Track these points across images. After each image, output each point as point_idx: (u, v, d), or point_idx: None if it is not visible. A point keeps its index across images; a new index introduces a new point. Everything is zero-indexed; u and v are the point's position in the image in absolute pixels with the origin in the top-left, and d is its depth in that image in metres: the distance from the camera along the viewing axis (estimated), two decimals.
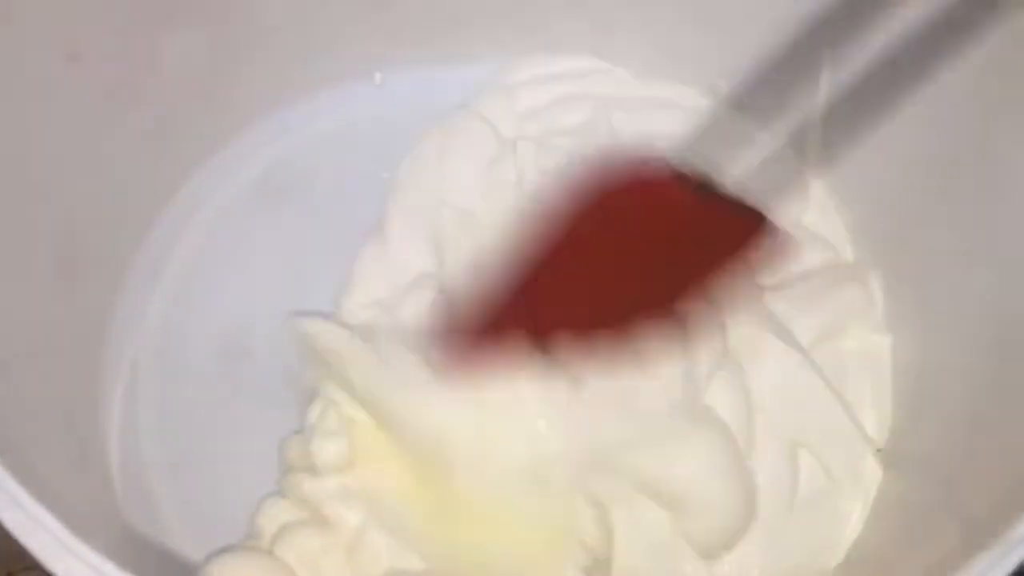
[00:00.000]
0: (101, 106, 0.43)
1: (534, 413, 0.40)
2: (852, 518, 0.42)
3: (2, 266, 0.38)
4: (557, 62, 0.52)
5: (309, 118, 0.52)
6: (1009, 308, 0.38)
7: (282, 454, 0.43)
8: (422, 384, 0.41)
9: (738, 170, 0.44)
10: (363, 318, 0.45)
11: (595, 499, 0.40)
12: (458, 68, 0.52)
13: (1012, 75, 0.38)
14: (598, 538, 0.40)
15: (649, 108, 0.51)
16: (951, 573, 0.27)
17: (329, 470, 0.41)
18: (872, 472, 0.42)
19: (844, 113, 0.46)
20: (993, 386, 0.38)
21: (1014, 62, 0.38)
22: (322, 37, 0.51)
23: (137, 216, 0.48)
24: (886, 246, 0.46)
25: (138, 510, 0.43)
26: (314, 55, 0.51)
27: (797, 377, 0.43)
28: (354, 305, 0.46)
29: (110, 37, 0.42)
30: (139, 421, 0.45)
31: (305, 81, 0.52)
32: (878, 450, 0.43)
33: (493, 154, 0.49)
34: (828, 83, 0.45)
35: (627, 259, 0.42)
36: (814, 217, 0.48)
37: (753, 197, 0.43)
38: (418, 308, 0.44)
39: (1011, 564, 0.28)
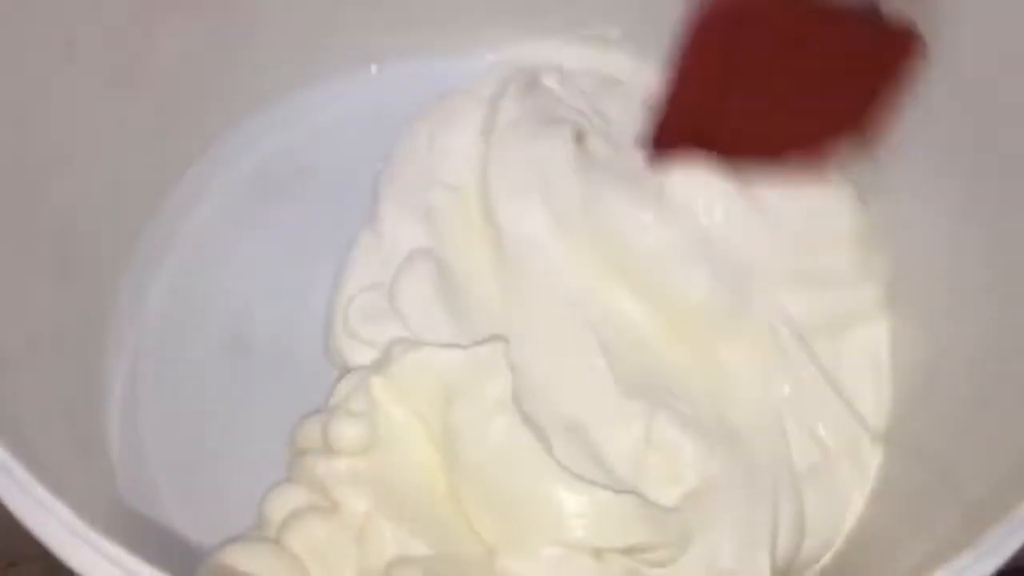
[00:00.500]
0: (98, 99, 0.43)
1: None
2: (852, 500, 0.42)
3: (1, 260, 0.38)
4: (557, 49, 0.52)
5: (306, 110, 0.52)
6: (1008, 295, 0.38)
7: (297, 435, 0.42)
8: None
9: None
10: (360, 304, 0.45)
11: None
12: (455, 58, 0.52)
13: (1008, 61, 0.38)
14: None
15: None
16: (952, 556, 0.28)
17: (345, 452, 0.41)
18: (871, 455, 0.42)
19: None
20: (992, 372, 0.38)
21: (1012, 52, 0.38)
22: (318, 29, 0.51)
23: (135, 209, 0.48)
24: (884, 236, 0.46)
25: (140, 499, 0.43)
26: (310, 47, 0.51)
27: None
28: (352, 290, 0.46)
29: (106, 29, 0.42)
30: (140, 411, 0.45)
31: (302, 73, 0.52)
32: (877, 435, 0.43)
33: (482, 125, 0.49)
34: None
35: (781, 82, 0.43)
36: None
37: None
38: (413, 282, 0.44)
39: (1011, 547, 0.28)
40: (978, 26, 0.39)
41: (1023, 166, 0.38)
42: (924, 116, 0.42)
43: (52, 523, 0.27)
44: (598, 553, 0.39)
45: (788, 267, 0.45)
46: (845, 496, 0.42)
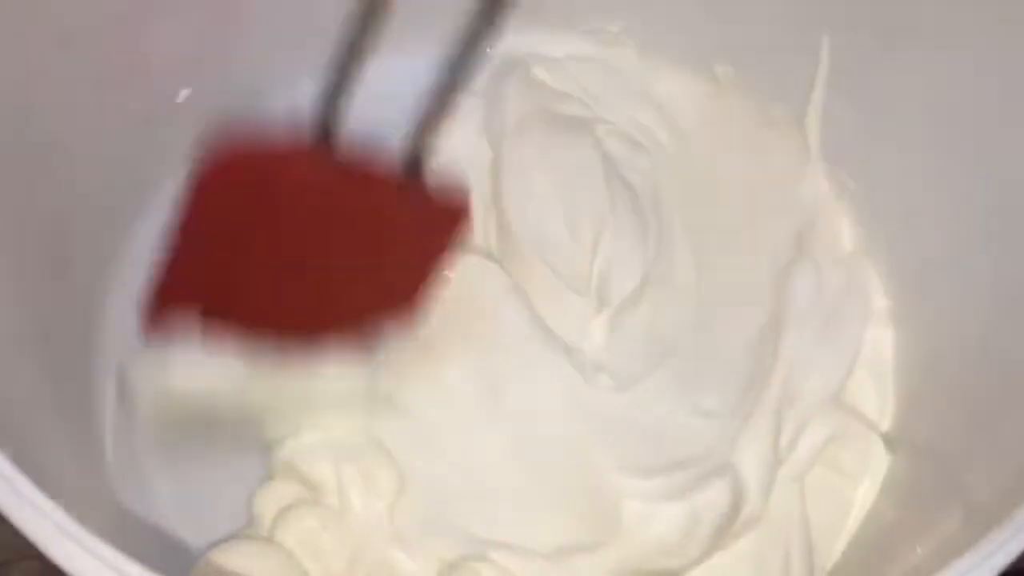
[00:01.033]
0: (92, 93, 0.43)
1: None
2: (858, 499, 0.42)
3: None
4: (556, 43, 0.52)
5: (301, 106, 0.52)
6: (1009, 298, 0.38)
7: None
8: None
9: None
10: None
11: None
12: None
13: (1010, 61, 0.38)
14: None
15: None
16: (958, 555, 0.27)
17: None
18: (878, 456, 0.42)
19: (844, 100, 0.46)
20: (995, 374, 0.38)
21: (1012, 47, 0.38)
22: (312, 24, 0.50)
23: (129, 206, 0.48)
24: (887, 237, 0.46)
25: (133, 498, 0.43)
26: (304, 42, 0.51)
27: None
28: None
29: (100, 22, 0.42)
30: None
31: (296, 68, 0.52)
32: (881, 435, 0.43)
33: (483, 124, 0.49)
34: (828, 68, 0.45)
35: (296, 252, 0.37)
36: (815, 206, 0.48)
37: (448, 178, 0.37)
38: None
39: (1017, 548, 0.28)
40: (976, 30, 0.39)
41: (1022, 165, 0.38)
42: (924, 116, 0.42)
43: (45, 524, 0.26)
44: None
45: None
46: (850, 496, 0.42)
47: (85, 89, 0.42)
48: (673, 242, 0.47)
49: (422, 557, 0.40)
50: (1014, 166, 0.38)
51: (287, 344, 0.39)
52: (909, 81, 0.42)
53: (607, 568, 0.40)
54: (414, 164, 0.36)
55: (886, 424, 0.44)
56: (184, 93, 0.48)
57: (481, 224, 0.46)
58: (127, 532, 0.41)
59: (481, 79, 0.50)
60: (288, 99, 0.51)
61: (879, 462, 0.42)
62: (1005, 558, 0.28)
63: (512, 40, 0.52)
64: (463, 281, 0.43)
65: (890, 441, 0.43)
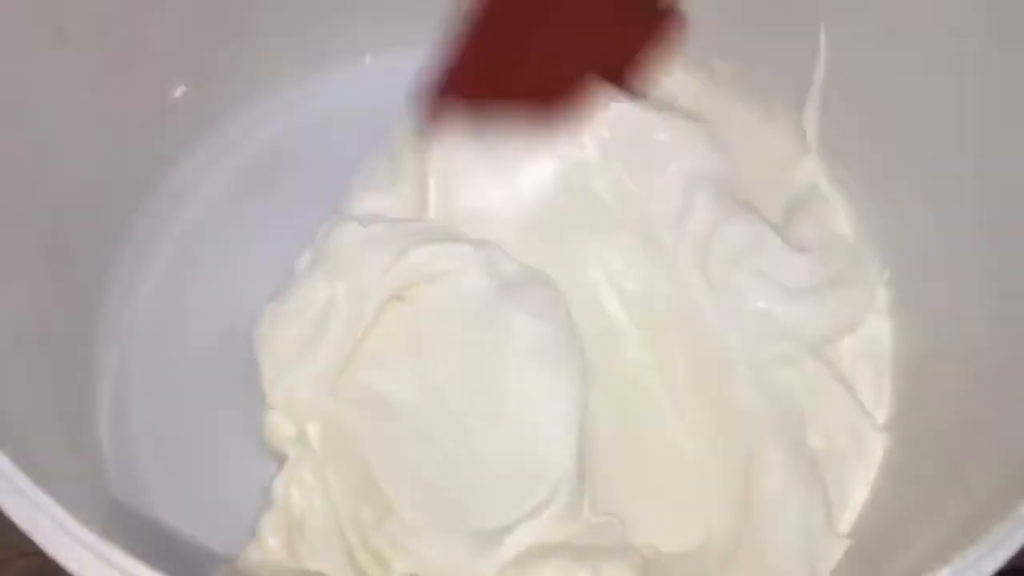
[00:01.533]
0: (89, 89, 0.43)
1: None
2: (856, 492, 0.42)
3: None
4: None
5: (300, 101, 0.52)
6: (1008, 289, 0.38)
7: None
8: None
9: None
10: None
11: None
12: None
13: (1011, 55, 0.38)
14: None
15: None
16: (958, 550, 0.27)
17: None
18: (875, 448, 0.42)
19: (842, 95, 0.46)
20: (992, 367, 0.38)
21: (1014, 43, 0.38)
22: (312, 18, 0.51)
23: (126, 202, 0.48)
24: (885, 229, 0.46)
25: (130, 494, 0.43)
26: (304, 37, 0.51)
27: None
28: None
29: (97, 17, 0.42)
30: (130, 406, 0.45)
31: (295, 63, 0.52)
32: (879, 427, 0.43)
33: None
34: (825, 62, 0.45)
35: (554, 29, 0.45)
36: (814, 201, 0.48)
37: None
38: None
39: (1017, 542, 0.28)
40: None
41: (1022, 164, 0.38)
42: (924, 115, 0.42)
43: (43, 520, 0.26)
44: None
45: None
46: (849, 488, 0.42)
47: (81, 86, 0.42)
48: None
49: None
50: (1013, 160, 0.38)
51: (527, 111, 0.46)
52: (908, 75, 0.42)
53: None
54: None
55: (884, 415, 0.44)
56: (181, 89, 0.48)
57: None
58: (124, 529, 0.41)
59: None
60: (285, 95, 0.52)
61: (878, 453, 0.42)
62: (1008, 551, 0.28)
63: None
64: (453, 277, 0.44)
65: (889, 433, 0.43)
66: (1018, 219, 0.38)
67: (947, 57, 0.40)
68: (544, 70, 0.46)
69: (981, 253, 0.40)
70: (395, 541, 0.39)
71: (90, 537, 0.26)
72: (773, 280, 0.44)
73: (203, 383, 0.45)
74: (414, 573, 0.39)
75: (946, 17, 0.40)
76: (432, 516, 0.40)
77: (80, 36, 0.41)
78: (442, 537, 0.40)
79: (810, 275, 0.44)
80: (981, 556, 0.27)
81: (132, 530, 0.41)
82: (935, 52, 0.41)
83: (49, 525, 0.26)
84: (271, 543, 0.40)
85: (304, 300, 0.43)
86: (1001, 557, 0.28)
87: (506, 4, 0.45)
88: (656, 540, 0.41)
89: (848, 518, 0.41)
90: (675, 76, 0.50)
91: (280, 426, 0.42)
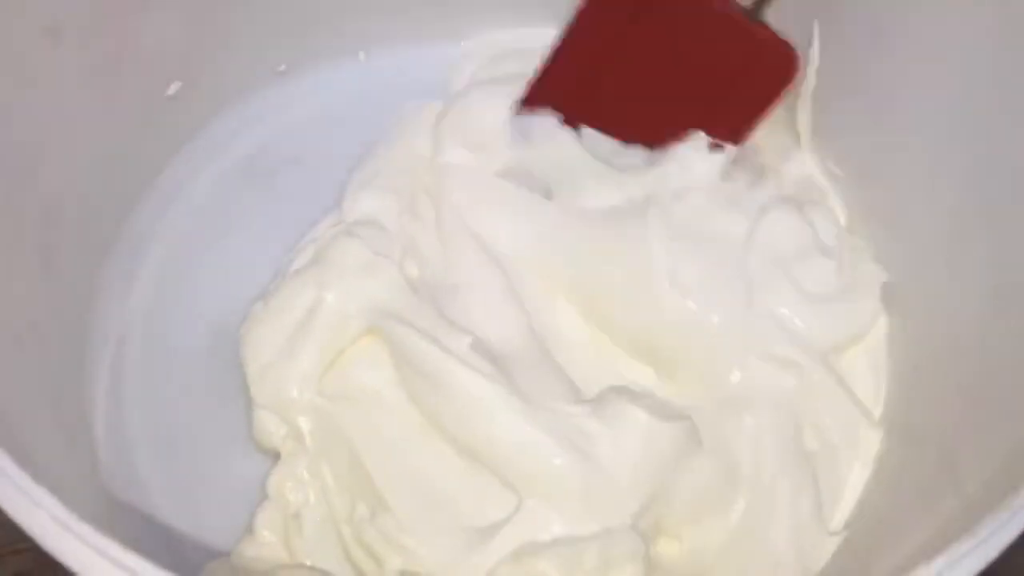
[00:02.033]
0: (83, 87, 0.43)
1: None
2: (851, 486, 0.42)
3: None
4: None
5: (293, 98, 0.52)
6: (1003, 282, 0.38)
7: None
8: None
9: None
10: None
11: None
12: (442, 45, 0.52)
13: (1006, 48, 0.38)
14: None
15: None
16: (951, 543, 0.27)
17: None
18: (870, 441, 0.42)
19: (835, 87, 0.46)
20: (987, 361, 0.38)
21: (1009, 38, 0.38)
22: (306, 16, 0.51)
23: (120, 198, 0.47)
24: (880, 222, 0.46)
25: (125, 488, 0.43)
26: (298, 34, 0.51)
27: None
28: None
29: (91, 15, 0.42)
30: (125, 400, 0.45)
31: (289, 60, 0.52)
32: (875, 421, 0.43)
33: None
34: (819, 56, 0.45)
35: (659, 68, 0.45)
36: (807, 195, 0.48)
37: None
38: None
39: (1010, 535, 0.28)
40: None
41: (1021, 162, 0.38)
42: (924, 114, 0.42)
43: (39, 514, 0.26)
44: None
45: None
46: (842, 484, 0.42)
47: (75, 83, 0.42)
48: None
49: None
50: (1008, 154, 0.38)
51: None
52: (901, 69, 0.42)
53: None
54: (757, 8, 0.43)
55: (879, 410, 0.44)
56: (175, 87, 0.48)
57: None
58: (121, 524, 0.41)
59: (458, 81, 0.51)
60: (278, 94, 0.51)
61: (873, 447, 0.42)
62: (999, 544, 0.28)
63: (499, 35, 0.52)
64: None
65: (884, 427, 0.43)
66: (1013, 214, 0.38)
67: (940, 51, 0.40)
68: (635, 101, 0.46)
69: (976, 249, 0.40)
70: (388, 537, 0.39)
71: (87, 532, 0.26)
72: (799, 286, 0.44)
73: (197, 380, 0.45)
74: (408, 569, 0.39)
75: (937, 12, 0.40)
76: (425, 512, 0.40)
77: (73, 34, 0.41)
78: (435, 533, 0.40)
79: (827, 283, 0.44)
80: (971, 550, 0.27)
81: (128, 525, 0.41)
82: (929, 46, 0.41)
83: (47, 520, 0.26)
84: (266, 537, 0.40)
85: (288, 301, 0.44)
86: (992, 551, 0.28)
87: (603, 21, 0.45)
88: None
89: (840, 514, 0.41)
90: None
91: (268, 424, 0.42)
